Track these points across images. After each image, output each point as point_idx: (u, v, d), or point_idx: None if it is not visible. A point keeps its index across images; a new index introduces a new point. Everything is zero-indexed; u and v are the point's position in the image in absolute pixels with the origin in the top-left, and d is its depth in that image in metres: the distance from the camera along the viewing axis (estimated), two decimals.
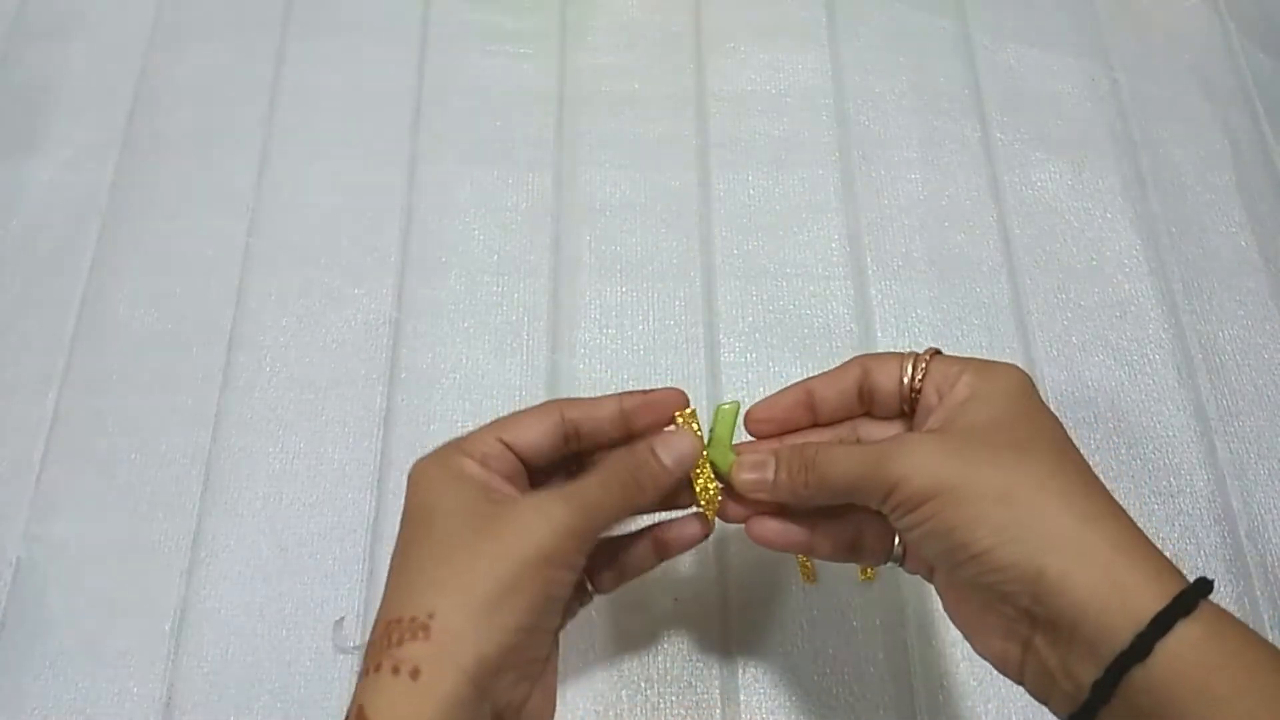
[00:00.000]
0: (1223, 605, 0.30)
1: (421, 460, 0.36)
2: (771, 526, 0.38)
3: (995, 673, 0.31)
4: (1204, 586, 0.29)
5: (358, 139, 0.60)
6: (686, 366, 0.54)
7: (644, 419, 0.38)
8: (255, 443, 0.52)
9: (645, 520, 0.41)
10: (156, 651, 0.47)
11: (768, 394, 0.40)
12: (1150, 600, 0.29)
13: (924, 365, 0.37)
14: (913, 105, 0.62)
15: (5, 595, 0.48)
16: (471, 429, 0.37)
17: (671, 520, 0.40)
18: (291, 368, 0.54)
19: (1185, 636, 0.28)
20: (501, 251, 0.57)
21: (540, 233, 0.58)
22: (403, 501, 0.36)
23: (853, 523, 0.38)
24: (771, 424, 0.39)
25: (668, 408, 0.39)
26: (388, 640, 0.32)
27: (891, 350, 0.39)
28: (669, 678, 0.46)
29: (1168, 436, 0.52)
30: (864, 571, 0.48)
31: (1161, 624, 0.28)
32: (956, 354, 0.37)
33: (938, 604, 0.47)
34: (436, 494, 0.35)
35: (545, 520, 0.34)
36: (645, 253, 0.57)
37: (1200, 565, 0.49)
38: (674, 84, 0.63)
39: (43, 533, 0.49)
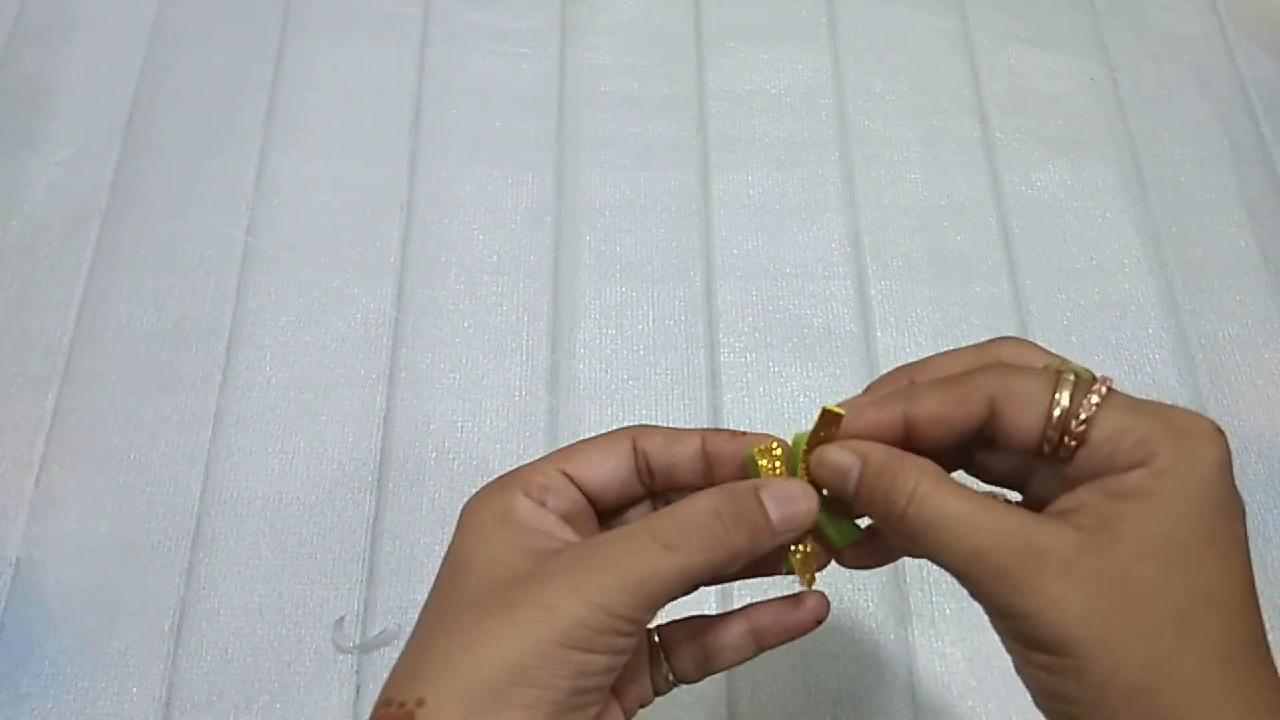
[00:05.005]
0: None
1: (472, 498, 0.31)
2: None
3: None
4: None
5: (357, 139, 0.60)
6: (686, 366, 0.54)
7: (729, 468, 0.31)
8: (255, 443, 0.52)
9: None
10: (156, 651, 0.47)
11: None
12: None
13: (1093, 406, 0.27)
14: (913, 105, 0.62)
15: (5, 595, 0.48)
16: (535, 457, 0.32)
17: (777, 601, 0.33)
18: (291, 367, 0.54)
19: None
20: (501, 251, 0.57)
21: (540, 233, 0.58)
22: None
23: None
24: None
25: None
26: None
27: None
28: None
29: None
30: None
31: None
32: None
33: (939, 603, 0.47)
34: (476, 542, 0.30)
35: (575, 590, 0.27)
36: (645, 253, 0.57)
37: None
38: (674, 84, 0.63)
39: (43, 532, 0.49)
